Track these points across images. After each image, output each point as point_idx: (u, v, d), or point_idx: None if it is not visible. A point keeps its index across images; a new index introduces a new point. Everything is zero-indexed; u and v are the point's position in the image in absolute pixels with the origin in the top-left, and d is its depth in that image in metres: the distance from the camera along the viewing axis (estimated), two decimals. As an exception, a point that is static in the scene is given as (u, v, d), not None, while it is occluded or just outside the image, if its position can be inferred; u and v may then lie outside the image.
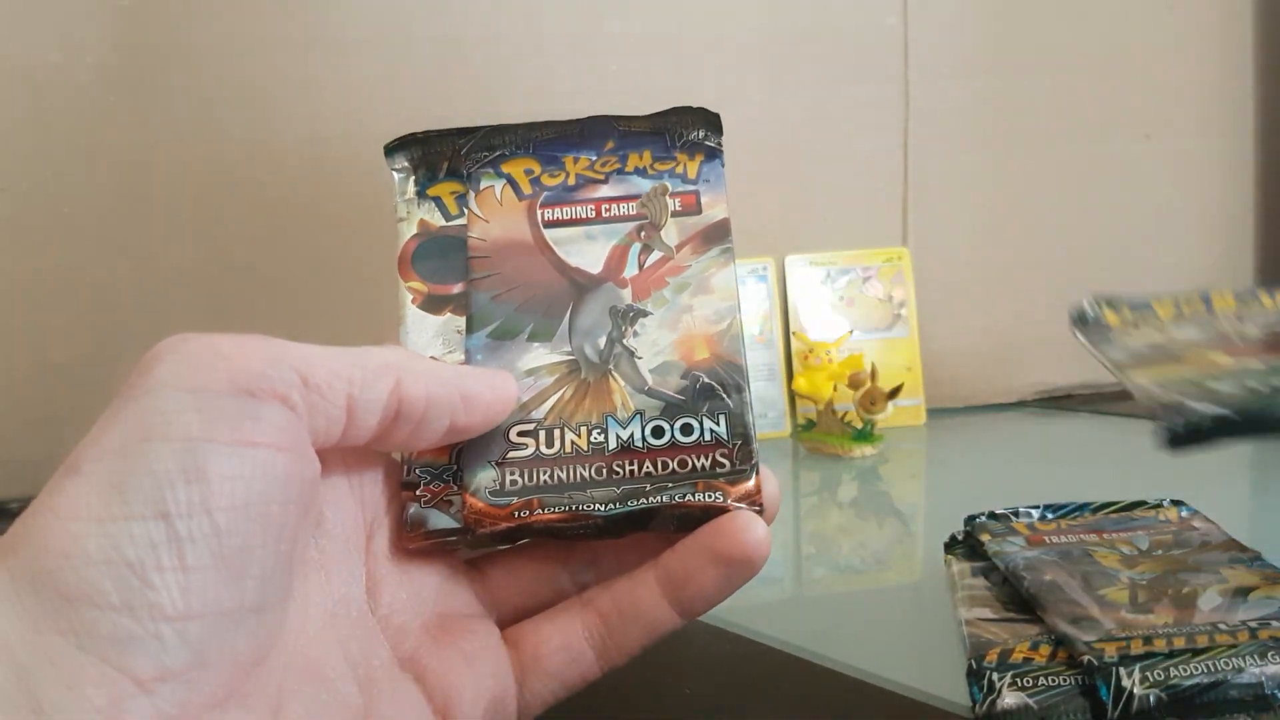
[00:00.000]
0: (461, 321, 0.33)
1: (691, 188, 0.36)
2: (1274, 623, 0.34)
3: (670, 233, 0.35)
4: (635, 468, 0.31)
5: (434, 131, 0.36)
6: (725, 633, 0.41)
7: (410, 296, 0.34)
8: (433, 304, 0.34)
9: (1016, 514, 0.46)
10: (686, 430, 0.31)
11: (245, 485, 0.23)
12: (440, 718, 0.28)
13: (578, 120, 0.36)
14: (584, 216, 0.35)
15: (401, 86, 0.70)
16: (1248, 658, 0.31)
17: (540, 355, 0.33)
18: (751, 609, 0.45)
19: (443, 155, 0.36)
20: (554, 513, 0.30)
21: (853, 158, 0.79)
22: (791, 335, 0.77)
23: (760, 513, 0.30)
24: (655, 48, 0.75)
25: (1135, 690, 0.30)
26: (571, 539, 0.31)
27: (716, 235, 0.35)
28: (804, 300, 0.79)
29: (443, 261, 0.34)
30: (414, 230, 0.35)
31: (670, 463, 0.31)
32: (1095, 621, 0.35)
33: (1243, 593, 0.36)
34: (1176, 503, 0.47)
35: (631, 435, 0.31)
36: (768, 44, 0.77)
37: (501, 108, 0.72)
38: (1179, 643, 0.32)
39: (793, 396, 0.76)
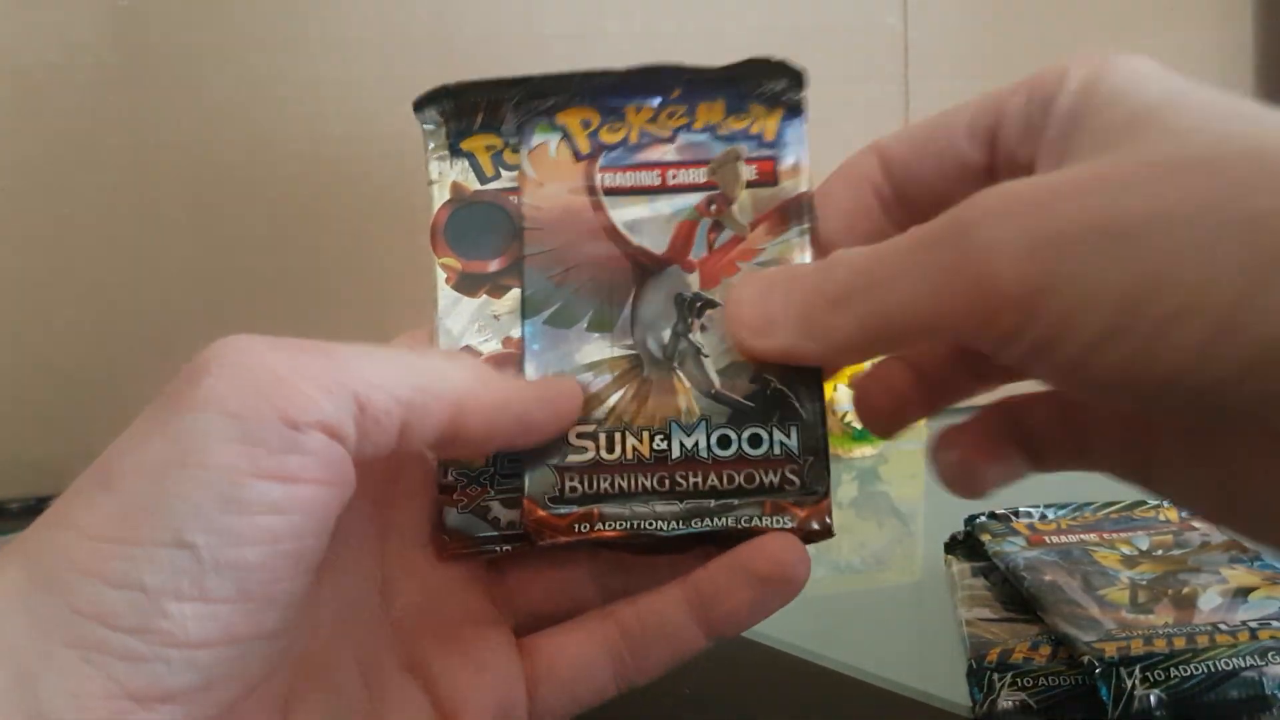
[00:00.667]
0: (498, 304, 0.31)
1: (769, 152, 0.32)
2: (1274, 623, 0.34)
3: (744, 207, 0.31)
4: (699, 480, 0.29)
5: (470, 82, 0.33)
6: (725, 633, 0.41)
7: (444, 275, 0.32)
8: (467, 284, 0.32)
9: (1016, 514, 0.46)
10: (755, 442, 0.29)
11: (283, 521, 0.23)
12: None
13: (641, 67, 0.32)
14: (648, 184, 0.32)
15: (401, 86, 0.70)
16: (1248, 658, 0.31)
17: (601, 348, 0.30)
18: (751, 609, 0.45)
19: (477, 106, 0.34)
20: (615, 529, 0.29)
21: (853, 158, 0.79)
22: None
23: (827, 534, 0.28)
24: (655, 47, 0.74)
25: (1136, 690, 0.30)
26: (631, 553, 0.30)
27: (795, 213, 0.31)
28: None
29: (479, 233, 0.32)
30: (446, 195, 0.33)
31: (737, 476, 0.29)
32: (1095, 622, 0.35)
33: (1243, 593, 0.36)
34: None
35: (696, 444, 0.29)
36: (768, 44, 0.76)
37: (501, 108, 0.72)
38: (1179, 643, 0.32)
39: (793, 397, 0.76)
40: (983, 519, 0.46)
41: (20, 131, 0.65)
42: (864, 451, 0.69)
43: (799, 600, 0.42)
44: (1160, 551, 0.41)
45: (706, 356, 0.30)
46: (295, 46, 0.68)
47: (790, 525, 0.28)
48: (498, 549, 0.29)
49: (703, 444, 0.29)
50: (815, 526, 0.28)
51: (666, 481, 0.29)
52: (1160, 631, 0.33)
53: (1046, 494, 0.47)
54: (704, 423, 0.30)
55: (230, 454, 0.22)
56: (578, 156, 0.32)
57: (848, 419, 0.70)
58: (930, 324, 0.23)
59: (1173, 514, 0.46)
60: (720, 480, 0.29)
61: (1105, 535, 0.43)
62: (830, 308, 0.25)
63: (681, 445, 0.29)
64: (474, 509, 0.29)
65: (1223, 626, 0.33)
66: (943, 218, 0.22)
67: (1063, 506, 0.46)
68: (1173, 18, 0.84)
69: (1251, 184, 0.18)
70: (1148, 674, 0.31)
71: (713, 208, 0.31)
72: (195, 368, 0.24)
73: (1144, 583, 0.38)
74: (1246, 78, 0.87)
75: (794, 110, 0.32)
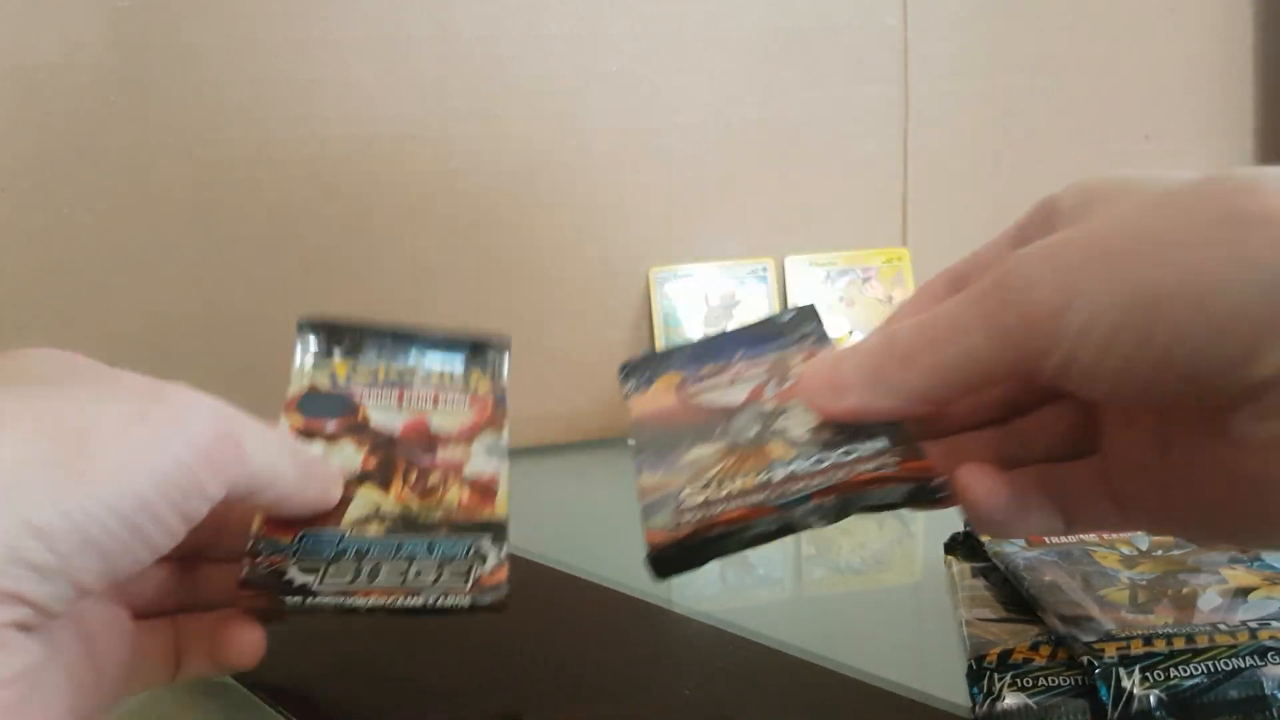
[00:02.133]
0: (331, 449, 0.39)
1: (813, 346, 0.41)
2: (1274, 623, 0.34)
3: (799, 367, 0.39)
4: (803, 486, 0.32)
5: (342, 321, 0.43)
6: (725, 633, 0.41)
7: (289, 423, 0.40)
8: (306, 435, 0.39)
9: None
10: (848, 453, 0.33)
11: None
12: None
13: (705, 340, 0.43)
14: (723, 383, 0.40)
15: (401, 87, 0.70)
16: (1247, 658, 0.31)
17: (700, 451, 0.36)
18: (751, 609, 0.45)
19: (343, 337, 0.44)
20: (736, 509, 0.31)
21: (852, 159, 0.79)
22: (791, 335, 0.77)
23: (940, 491, 0.30)
24: (655, 48, 0.75)
25: (1135, 691, 0.31)
26: (756, 543, 0.32)
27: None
28: (804, 300, 0.79)
29: (323, 408, 0.41)
30: (305, 386, 0.42)
31: (838, 473, 0.32)
32: (1095, 622, 0.35)
33: (1242, 593, 0.36)
34: None
35: (796, 468, 0.33)
36: (768, 45, 0.77)
37: (501, 108, 0.72)
38: (1179, 643, 0.32)
39: (792, 397, 0.76)
40: None
41: (21, 131, 0.65)
42: (864, 451, 0.69)
43: (799, 600, 0.42)
44: (1160, 551, 0.41)
45: (791, 430, 0.35)
46: (295, 47, 0.69)
47: (892, 470, 0.31)
48: (286, 600, 0.33)
49: (802, 466, 0.33)
50: (920, 476, 0.30)
51: (774, 491, 0.32)
52: (1160, 631, 0.33)
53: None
54: (800, 454, 0.33)
55: None
56: (670, 383, 0.41)
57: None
58: (986, 364, 0.28)
59: None
60: (824, 478, 0.32)
61: (1105, 536, 0.43)
62: (898, 365, 0.30)
63: (784, 470, 0.33)
64: (272, 571, 0.33)
65: (1222, 627, 0.33)
66: (984, 278, 0.28)
67: None
68: (1171, 19, 0.84)
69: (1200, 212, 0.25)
70: (1147, 674, 0.31)
71: (776, 376, 0.39)
72: None
73: (1143, 583, 0.38)
74: (1246, 74, 0.87)
75: (822, 338, 0.41)
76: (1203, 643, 0.32)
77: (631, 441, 0.39)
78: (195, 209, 0.68)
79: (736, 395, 0.39)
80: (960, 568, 0.43)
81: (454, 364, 0.45)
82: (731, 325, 0.46)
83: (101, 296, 0.67)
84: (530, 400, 0.75)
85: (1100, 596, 0.37)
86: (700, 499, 0.33)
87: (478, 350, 0.46)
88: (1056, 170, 0.83)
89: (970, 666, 0.35)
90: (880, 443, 0.32)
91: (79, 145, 0.66)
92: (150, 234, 0.67)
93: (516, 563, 0.51)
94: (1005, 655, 0.34)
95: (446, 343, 0.45)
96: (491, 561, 0.36)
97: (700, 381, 0.41)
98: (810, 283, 0.79)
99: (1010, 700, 0.32)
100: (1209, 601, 0.36)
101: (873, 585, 0.49)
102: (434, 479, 0.39)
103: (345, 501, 0.37)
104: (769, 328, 0.42)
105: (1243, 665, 0.31)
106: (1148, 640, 0.33)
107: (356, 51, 0.69)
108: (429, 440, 0.41)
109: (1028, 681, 0.33)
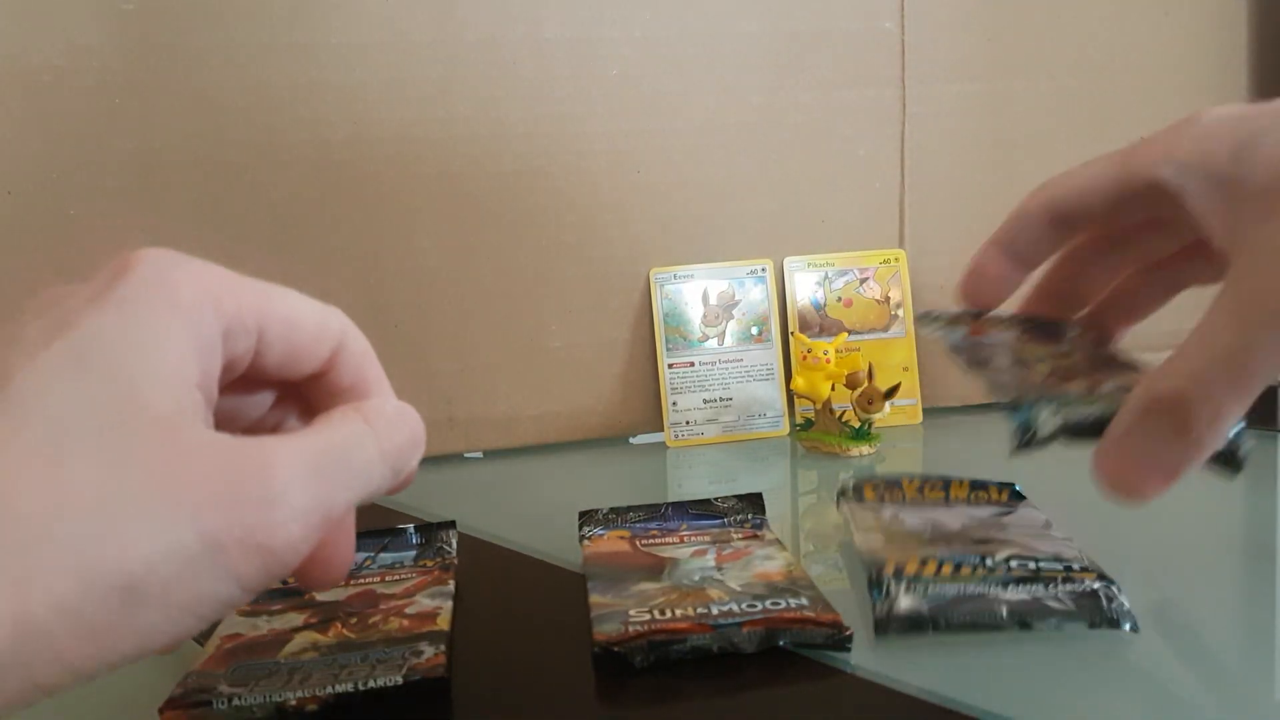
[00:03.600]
0: (273, 619, 0.42)
1: (752, 530, 0.50)
2: None
3: (739, 542, 0.48)
4: (738, 623, 0.38)
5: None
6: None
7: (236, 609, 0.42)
8: (252, 614, 0.43)
9: (977, 316, 0.47)
10: (775, 605, 0.39)
11: None
12: None
13: (659, 504, 0.52)
14: (671, 541, 0.49)
15: (405, 90, 0.71)
16: None
17: (646, 585, 0.43)
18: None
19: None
20: (680, 623, 0.38)
21: (850, 161, 0.80)
22: (790, 336, 0.78)
23: (849, 639, 0.38)
24: (655, 52, 0.75)
25: (1046, 423, 0.34)
26: (692, 655, 0.38)
27: (773, 539, 0.48)
28: (803, 301, 0.79)
29: (272, 597, 0.44)
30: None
31: (765, 619, 0.38)
32: (1018, 385, 0.37)
33: None
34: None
35: (731, 609, 0.39)
36: (766, 48, 0.77)
37: (503, 111, 0.73)
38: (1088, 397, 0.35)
39: (791, 396, 0.77)
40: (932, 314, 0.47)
41: (26, 134, 0.65)
42: (861, 450, 0.70)
43: (797, 595, 0.41)
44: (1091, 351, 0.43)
45: (729, 582, 0.42)
46: (299, 50, 0.69)
47: (808, 609, 0.39)
48: (212, 706, 0.35)
49: (736, 608, 0.39)
50: (830, 625, 0.38)
51: (709, 621, 0.38)
52: (1073, 394, 0.36)
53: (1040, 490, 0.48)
54: (734, 601, 0.40)
55: None
56: (621, 536, 0.50)
57: (845, 418, 0.71)
58: None
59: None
60: (753, 623, 0.38)
61: (1039, 341, 0.45)
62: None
63: (719, 610, 0.39)
64: (199, 689, 0.35)
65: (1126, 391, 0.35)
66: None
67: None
68: (1166, 22, 0.85)
69: None
70: (1057, 413, 0.34)
71: (717, 544, 0.48)
72: None
73: (1066, 364, 0.39)
74: (1240, 76, 0.87)
75: (759, 524, 0.51)
76: (1108, 396, 0.35)
77: (588, 567, 0.46)
78: (200, 211, 0.69)
79: (683, 552, 0.47)
80: (851, 508, 0.50)
81: (404, 555, 0.49)
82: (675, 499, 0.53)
83: (107, 297, 0.67)
84: (530, 400, 0.76)
85: (1026, 369, 0.39)
86: (646, 617, 0.39)
87: (427, 539, 0.50)
88: (1051, 173, 0.83)
89: (870, 577, 0.40)
90: (804, 598, 0.40)
91: (84, 148, 0.66)
92: (155, 236, 0.67)
93: (518, 559, 0.52)
94: (899, 569, 0.40)
95: (394, 539, 0.50)
96: (428, 654, 0.37)
97: (650, 538, 0.49)
98: (808, 283, 0.79)
99: (905, 603, 0.39)
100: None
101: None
102: (374, 619, 0.42)
103: (282, 643, 0.39)
104: (712, 509, 0.52)
105: None
106: (1064, 401, 0.35)
107: (359, 55, 0.70)
108: (373, 598, 0.44)
109: (919, 589, 0.39)
